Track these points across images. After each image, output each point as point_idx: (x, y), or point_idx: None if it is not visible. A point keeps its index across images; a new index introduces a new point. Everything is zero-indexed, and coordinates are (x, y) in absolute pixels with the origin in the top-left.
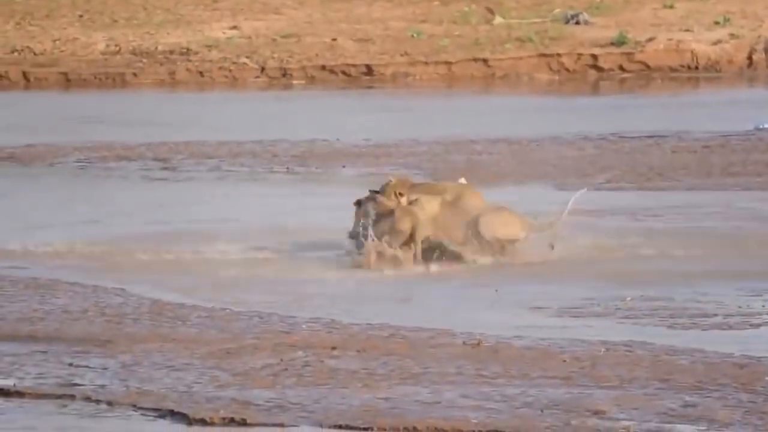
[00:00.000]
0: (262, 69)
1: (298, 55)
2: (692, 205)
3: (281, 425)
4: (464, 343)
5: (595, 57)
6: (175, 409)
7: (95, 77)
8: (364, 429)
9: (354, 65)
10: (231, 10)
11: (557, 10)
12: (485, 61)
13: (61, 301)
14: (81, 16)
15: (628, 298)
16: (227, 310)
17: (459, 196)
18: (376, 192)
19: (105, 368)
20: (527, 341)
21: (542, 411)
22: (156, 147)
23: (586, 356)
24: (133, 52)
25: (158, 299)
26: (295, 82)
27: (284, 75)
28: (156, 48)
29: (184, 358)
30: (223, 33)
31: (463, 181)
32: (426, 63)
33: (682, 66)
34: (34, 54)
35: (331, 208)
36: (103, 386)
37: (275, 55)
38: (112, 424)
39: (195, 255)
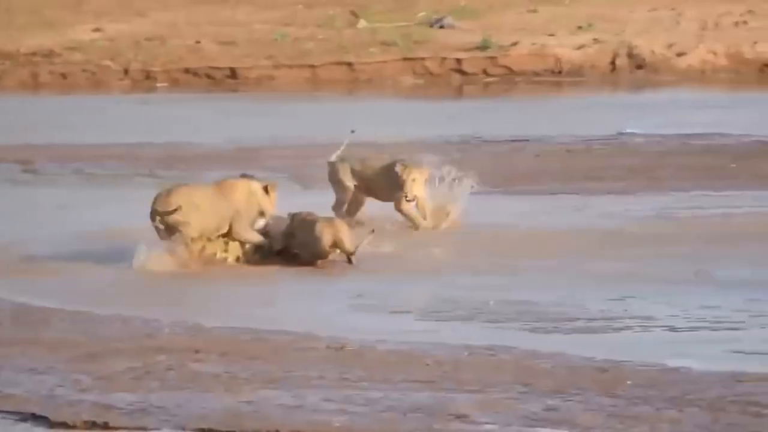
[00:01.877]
0: (126, 71)
1: (162, 58)
2: (555, 208)
3: (144, 429)
4: (328, 346)
5: (459, 61)
6: (37, 413)
7: None
8: None
9: (218, 68)
10: (95, 13)
11: (422, 14)
12: (350, 64)
13: None
14: None
15: (491, 302)
16: (90, 313)
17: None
18: None
19: None
20: (390, 345)
21: (405, 415)
22: (18, 150)
23: (449, 360)
24: None
25: (21, 303)
26: (158, 84)
27: (148, 78)
28: (18, 50)
29: (47, 361)
30: (87, 35)
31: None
32: (290, 66)
33: (546, 70)
34: None
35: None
36: None
37: (139, 58)
38: None
39: (58, 258)
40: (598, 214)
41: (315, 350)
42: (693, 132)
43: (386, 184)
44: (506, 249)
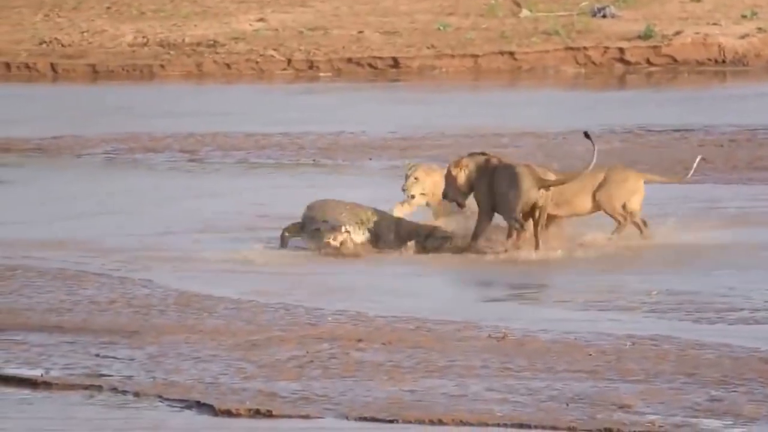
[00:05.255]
0: (289, 61)
1: (325, 48)
2: (718, 198)
3: (306, 417)
4: (490, 336)
5: (621, 50)
6: (202, 401)
7: (123, 69)
8: (389, 421)
9: (380, 58)
10: (258, 3)
11: (584, 3)
12: (512, 54)
13: (89, 292)
14: (109, 8)
15: (654, 292)
16: (254, 302)
17: None
18: None
19: (132, 359)
20: (553, 334)
21: (567, 404)
22: (183, 139)
23: (612, 350)
24: (161, 44)
25: (185, 291)
26: (321, 74)
27: (311, 67)
28: (183, 40)
29: (211, 349)
30: (250, 25)
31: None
32: (452, 56)
33: (709, 60)
34: (62, 46)
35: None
36: (129, 377)
37: (302, 48)
38: (139, 415)
39: (222, 246)
40: (763, 203)
41: (477, 339)
42: None
43: None
44: (668, 239)
